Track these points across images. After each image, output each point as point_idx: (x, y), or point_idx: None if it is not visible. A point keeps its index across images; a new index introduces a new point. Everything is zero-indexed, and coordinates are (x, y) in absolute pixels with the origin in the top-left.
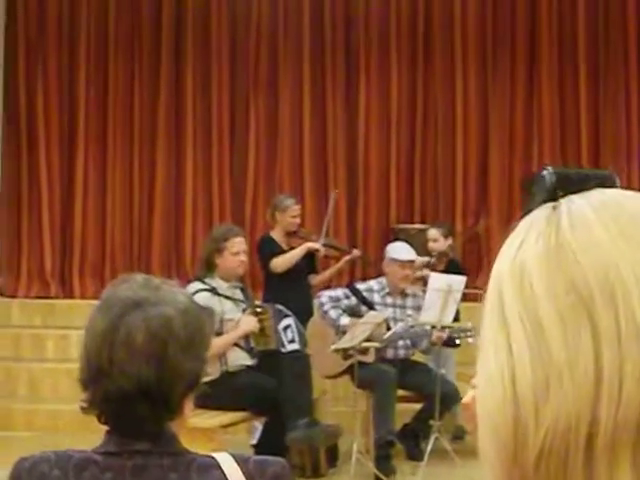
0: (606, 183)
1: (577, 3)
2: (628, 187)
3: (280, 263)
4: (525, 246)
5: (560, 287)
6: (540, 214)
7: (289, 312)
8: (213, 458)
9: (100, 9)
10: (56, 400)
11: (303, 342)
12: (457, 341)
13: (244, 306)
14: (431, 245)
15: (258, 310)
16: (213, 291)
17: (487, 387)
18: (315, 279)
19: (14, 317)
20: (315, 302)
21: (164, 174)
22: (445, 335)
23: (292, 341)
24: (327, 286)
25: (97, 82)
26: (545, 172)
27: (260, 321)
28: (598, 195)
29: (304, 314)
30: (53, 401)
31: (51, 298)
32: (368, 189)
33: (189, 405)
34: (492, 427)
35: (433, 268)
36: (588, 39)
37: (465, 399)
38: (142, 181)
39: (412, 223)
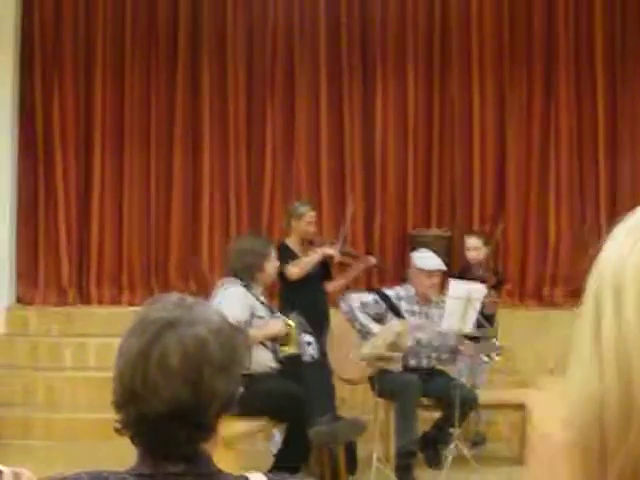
0: None
1: (594, 12)
2: None
3: (296, 270)
4: (629, 266)
5: None
6: None
7: (311, 329)
8: (247, 478)
9: (116, 15)
10: (74, 408)
11: (324, 357)
12: (485, 359)
13: (271, 310)
14: (472, 254)
15: (286, 319)
16: (247, 287)
17: (578, 403)
18: (330, 286)
19: (32, 325)
20: (341, 304)
21: (181, 181)
22: (472, 350)
23: (314, 357)
24: (343, 292)
25: (113, 90)
26: None
27: (287, 326)
28: None
29: (320, 321)
30: (71, 409)
31: (68, 306)
32: (385, 195)
33: (222, 425)
34: (581, 440)
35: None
36: (605, 48)
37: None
38: (159, 188)
39: (429, 229)
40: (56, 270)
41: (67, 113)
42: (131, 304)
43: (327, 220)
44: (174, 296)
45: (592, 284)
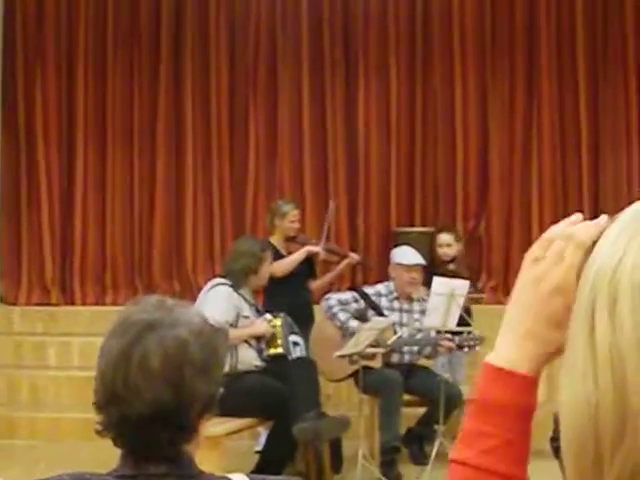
0: None
1: (575, 7)
2: (628, 189)
3: (279, 268)
4: (622, 269)
5: None
6: None
7: (298, 330)
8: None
9: (99, 13)
10: (58, 408)
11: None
12: (466, 349)
13: (258, 309)
14: (445, 251)
15: (271, 318)
16: (234, 288)
17: (572, 407)
18: (314, 284)
19: (15, 324)
20: (322, 304)
21: (164, 180)
22: (454, 345)
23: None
24: (328, 291)
25: (96, 88)
26: None
27: (273, 327)
28: None
29: (304, 319)
30: (55, 409)
31: (52, 305)
32: (369, 193)
33: (204, 427)
34: (575, 443)
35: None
36: (587, 43)
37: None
38: (142, 187)
39: (413, 227)
40: (40, 269)
41: (49, 112)
42: (115, 303)
43: (310, 218)
44: (154, 297)
45: (585, 285)
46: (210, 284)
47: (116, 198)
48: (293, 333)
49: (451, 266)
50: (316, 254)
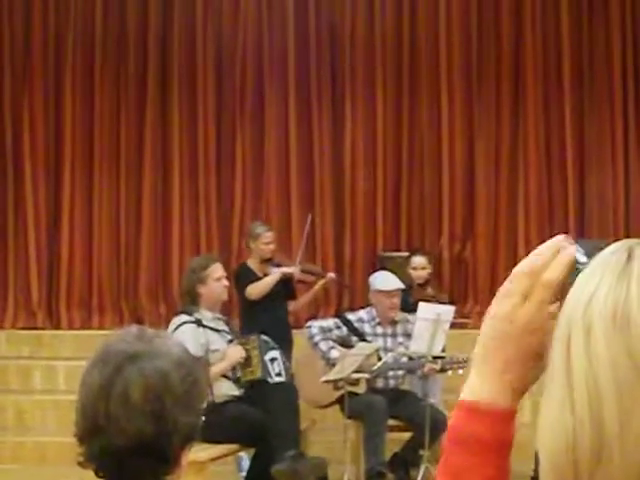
0: None
1: (561, 30)
2: (614, 211)
3: (255, 290)
4: (595, 302)
5: (621, 356)
6: (616, 260)
7: (275, 345)
8: None
9: (86, 39)
10: (43, 432)
11: (289, 375)
12: (449, 372)
13: (229, 337)
14: (419, 273)
15: (244, 340)
16: (198, 323)
17: (550, 434)
18: (293, 305)
19: (1, 348)
20: (305, 332)
21: (150, 204)
22: (438, 367)
23: (279, 374)
24: (313, 316)
25: (83, 113)
26: (580, 267)
27: (246, 351)
28: None
29: (283, 341)
30: (40, 433)
31: (38, 329)
32: (355, 217)
33: (186, 457)
34: (553, 470)
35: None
36: (573, 64)
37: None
38: (128, 211)
39: (399, 251)
40: (26, 293)
41: (36, 133)
42: (101, 327)
43: (296, 240)
44: (134, 328)
45: (562, 319)
46: (172, 325)
47: (103, 221)
48: (270, 349)
49: (429, 290)
50: (291, 275)
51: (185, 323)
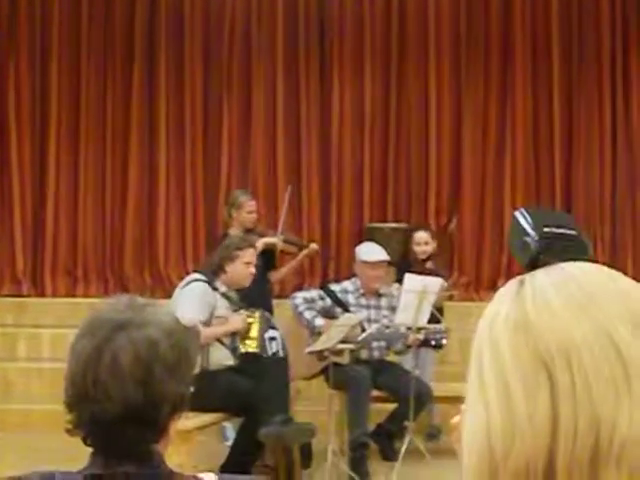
0: (582, 251)
1: (551, 7)
2: (600, 188)
3: None
4: (498, 323)
5: (524, 354)
6: (510, 289)
7: (275, 324)
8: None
9: (72, 9)
10: (28, 399)
11: (286, 355)
12: (433, 342)
13: (235, 307)
14: (422, 248)
15: (248, 313)
16: (210, 284)
17: (470, 433)
18: (274, 275)
19: None
20: (289, 303)
21: (137, 173)
22: (421, 337)
23: (275, 353)
24: (299, 286)
25: (69, 80)
26: (529, 239)
27: (248, 323)
28: (559, 272)
29: (264, 310)
30: (25, 400)
31: (23, 297)
32: (341, 188)
33: (174, 426)
34: (474, 464)
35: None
36: (562, 41)
37: (454, 420)
38: (114, 180)
39: (385, 222)
40: (10, 261)
41: (22, 106)
42: (86, 296)
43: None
44: (125, 297)
45: (475, 342)
46: (185, 280)
47: (88, 191)
48: (271, 328)
49: (429, 264)
50: (274, 245)
51: (197, 280)
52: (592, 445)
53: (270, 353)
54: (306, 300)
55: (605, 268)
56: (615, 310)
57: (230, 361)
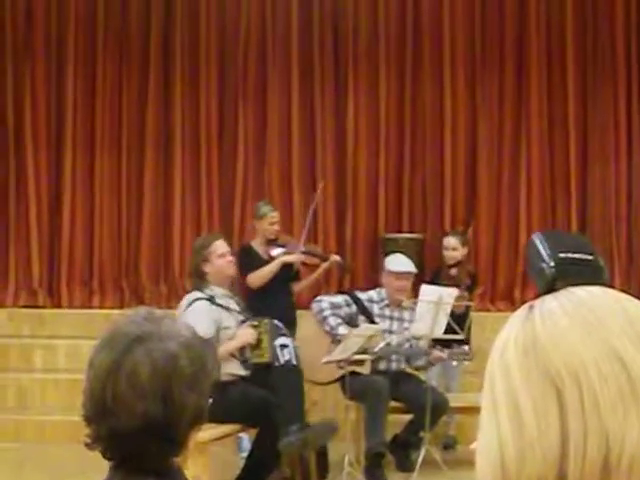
0: (597, 275)
1: (566, 15)
2: (616, 196)
3: (255, 280)
4: (508, 347)
5: (534, 376)
6: (520, 314)
7: (287, 332)
8: None
9: (88, 14)
10: (44, 411)
11: (298, 363)
12: (454, 363)
13: (240, 317)
14: (451, 254)
15: (256, 323)
16: (211, 300)
17: (484, 453)
18: (297, 286)
19: (2, 327)
20: (313, 306)
21: (152, 182)
22: (445, 356)
23: (288, 361)
24: (315, 294)
25: (85, 89)
26: (544, 265)
27: (257, 334)
28: (567, 296)
29: (287, 323)
30: (41, 411)
31: (39, 307)
32: (357, 198)
33: (193, 439)
34: (487, 475)
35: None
36: (577, 48)
37: (473, 446)
38: (130, 190)
39: (401, 232)
40: (27, 272)
41: (39, 114)
42: (102, 307)
43: (298, 224)
44: (143, 309)
45: (487, 367)
46: (186, 301)
47: (104, 201)
48: (281, 335)
49: (453, 271)
50: (291, 263)
51: (198, 299)
52: (602, 461)
53: (283, 361)
54: (332, 305)
55: (614, 291)
56: (623, 331)
57: (241, 371)
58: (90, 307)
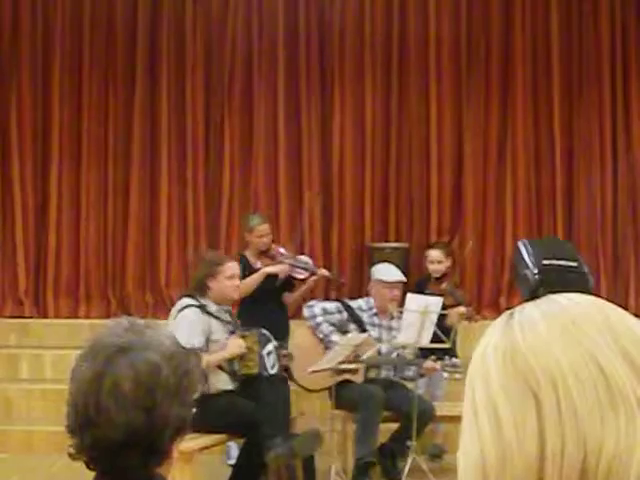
0: (581, 282)
1: (551, 25)
2: (602, 206)
3: (240, 289)
4: (488, 354)
5: (513, 382)
6: (500, 321)
7: (272, 337)
8: None
9: (74, 25)
10: (30, 421)
11: (281, 366)
12: (445, 375)
13: (231, 328)
14: (435, 267)
15: (245, 334)
16: (202, 308)
17: (466, 459)
18: (287, 298)
19: None
20: (305, 311)
21: (138, 193)
22: (438, 367)
23: (273, 366)
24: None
25: (71, 98)
26: (528, 271)
27: (246, 345)
28: (548, 303)
29: (279, 333)
30: (27, 422)
31: (25, 318)
32: (343, 208)
33: (177, 448)
34: None
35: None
36: (562, 59)
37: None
38: (116, 200)
39: (387, 242)
40: (13, 282)
41: (24, 123)
42: (88, 316)
43: (285, 233)
44: (125, 319)
45: (468, 374)
46: (177, 306)
47: (90, 211)
48: (269, 342)
49: (444, 285)
50: (276, 274)
51: (190, 306)
52: (580, 467)
53: (269, 367)
54: (324, 311)
55: (596, 299)
56: (603, 339)
57: (229, 385)
58: (76, 317)
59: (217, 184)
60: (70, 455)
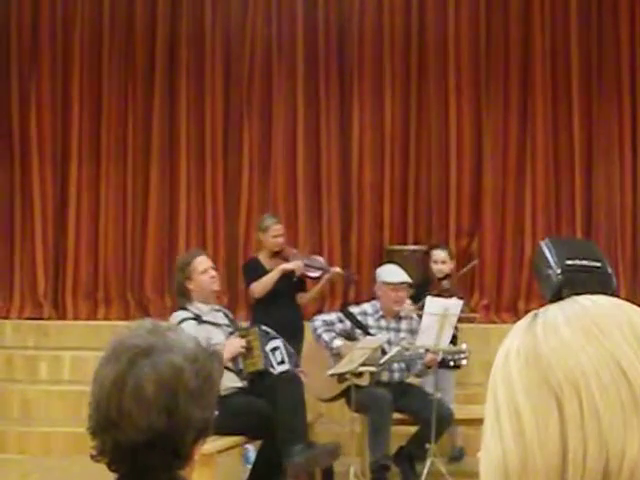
0: (604, 283)
1: (570, 31)
2: (621, 208)
3: (257, 288)
4: (511, 357)
5: (535, 385)
6: (523, 323)
7: (276, 334)
8: None
9: (94, 27)
10: (49, 422)
11: (293, 362)
12: (451, 363)
13: (229, 330)
14: (439, 267)
15: (244, 332)
16: (198, 318)
17: (488, 460)
18: (302, 298)
19: (7, 338)
20: (309, 326)
21: (157, 195)
22: (439, 357)
23: (282, 362)
24: (319, 309)
25: (90, 101)
26: (551, 272)
27: (247, 342)
28: (571, 304)
29: (294, 333)
30: (46, 423)
31: (44, 319)
32: (362, 210)
33: (198, 452)
34: None
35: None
36: (581, 60)
37: (479, 454)
38: (135, 202)
39: (405, 244)
40: (32, 284)
41: (44, 127)
42: (106, 318)
43: (303, 234)
44: (148, 322)
45: (491, 376)
46: (172, 320)
47: (109, 213)
48: (271, 339)
49: (445, 284)
50: (292, 271)
51: (185, 320)
52: (602, 471)
53: (275, 364)
54: (325, 323)
55: (620, 301)
56: (626, 341)
57: (238, 383)
58: (95, 319)
59: (236, 185)
60: (92, 457)
